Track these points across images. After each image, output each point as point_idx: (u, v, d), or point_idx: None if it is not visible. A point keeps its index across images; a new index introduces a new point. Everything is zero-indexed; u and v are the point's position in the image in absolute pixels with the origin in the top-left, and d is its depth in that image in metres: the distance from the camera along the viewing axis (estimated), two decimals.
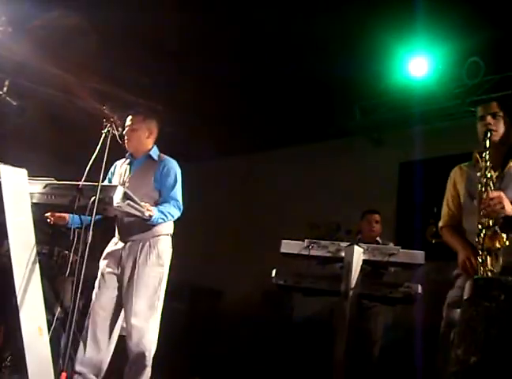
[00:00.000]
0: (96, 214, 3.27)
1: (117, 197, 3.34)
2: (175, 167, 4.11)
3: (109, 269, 3.94)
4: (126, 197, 3.38)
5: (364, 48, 5.83)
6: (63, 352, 3.11)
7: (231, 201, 8.82)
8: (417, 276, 4.08)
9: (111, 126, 3.55)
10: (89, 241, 3.22)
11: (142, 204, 3.61)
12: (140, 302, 3.80)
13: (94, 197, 3.27)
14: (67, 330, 3.10)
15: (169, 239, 4.04)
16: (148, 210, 3.66)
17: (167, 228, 4.01)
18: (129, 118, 4.14)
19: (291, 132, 8.10)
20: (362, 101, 7.26)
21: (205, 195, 8.62)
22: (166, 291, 3.97)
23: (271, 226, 7.73)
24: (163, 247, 3.96)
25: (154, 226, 3.90)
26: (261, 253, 6.36)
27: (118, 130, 3.62)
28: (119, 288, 3.91)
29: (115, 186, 3.39)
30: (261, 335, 6.88)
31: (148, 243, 3.91)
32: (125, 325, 3.88)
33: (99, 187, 3.29)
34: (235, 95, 7.10)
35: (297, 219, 7.90)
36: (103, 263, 4.00)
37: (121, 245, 3.98)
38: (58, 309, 4.29)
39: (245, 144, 8.72)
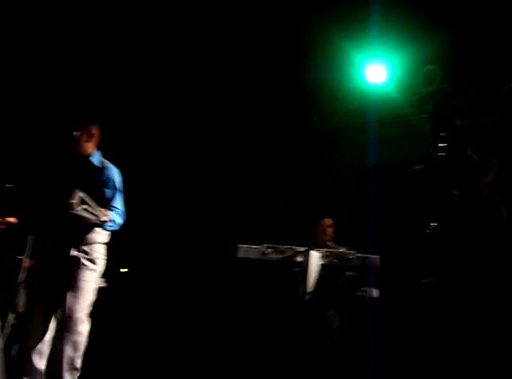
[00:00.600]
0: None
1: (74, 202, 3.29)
2: (114, 175, 4.09)
3: (44, 272, 3.89)
4: (82, 201, 3.34)
5: (322, 54, 5.89)
6: (16, 359, 3.05)
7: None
8: (373, 281, 4.13)
9: None
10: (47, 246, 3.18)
11: (98, 209, 3.57)
12: (73, 303, 3.82)
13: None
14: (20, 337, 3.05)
15: (104, 247, 4.05)
16: (104, 215, 3.63)
17: (102, 237, 4.02)
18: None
19: (248, 136, 8.11)
20: (319, 106, 7.32)
21: (172, 196, 8.54)
22: None
23: (229, 229, 7.70)
24: (97, 254, 3.97)
25: (90, 234, 3.90)
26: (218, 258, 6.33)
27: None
28: (54, 290, 3.89)
29: (73, 190, 3.34)
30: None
31: (83, 250, 3.90)
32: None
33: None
34: (199, 98, 7.09)
35: (253, 223, 7.90)
36: (38, 266, 3.94)
37: (56, 249, 3.95)
38: (11, 315, 4.21)
39: (208, 147, 8.69)
